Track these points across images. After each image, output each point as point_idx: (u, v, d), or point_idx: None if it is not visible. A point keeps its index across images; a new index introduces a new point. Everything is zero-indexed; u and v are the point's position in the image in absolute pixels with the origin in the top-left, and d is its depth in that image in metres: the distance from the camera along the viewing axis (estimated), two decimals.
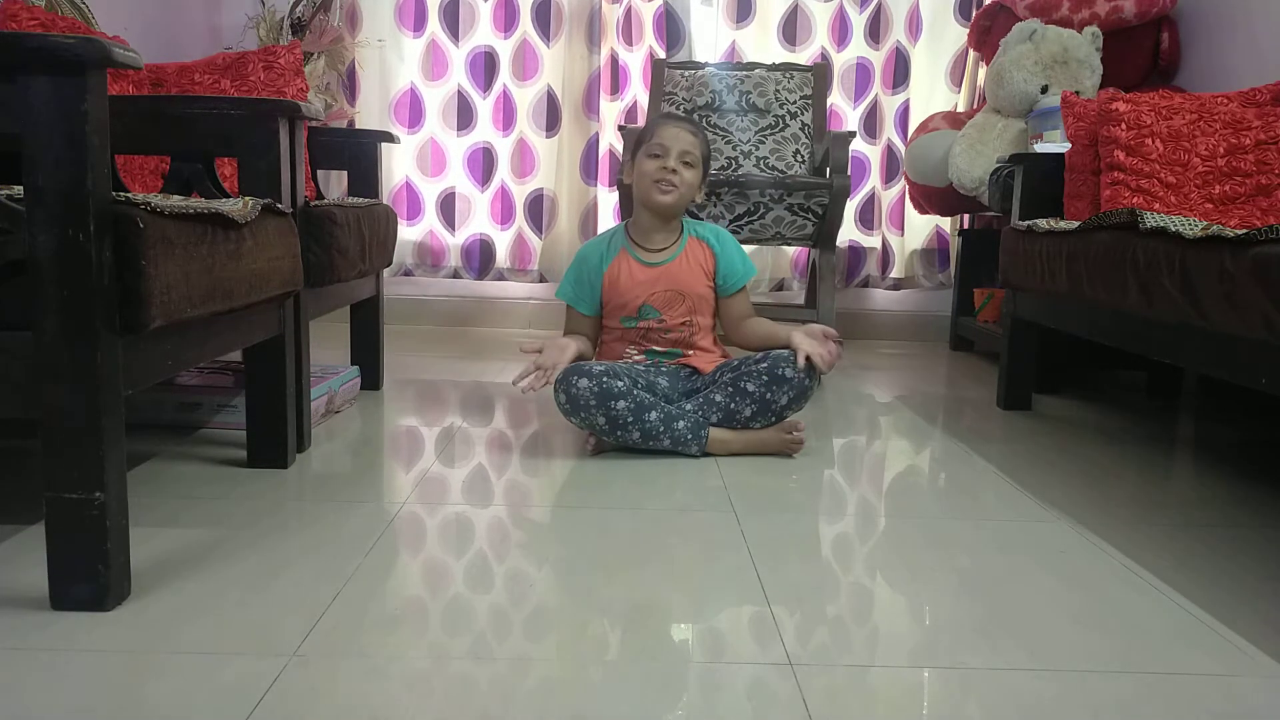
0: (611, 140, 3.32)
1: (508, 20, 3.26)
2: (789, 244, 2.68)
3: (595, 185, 3.32)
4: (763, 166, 2.77)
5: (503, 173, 3.33)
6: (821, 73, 2.92)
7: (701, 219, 2.41)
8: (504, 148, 3.32)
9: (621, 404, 1.68)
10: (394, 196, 3.31)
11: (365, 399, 2.21)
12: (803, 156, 2.81)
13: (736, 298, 1.90)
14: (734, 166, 2.78)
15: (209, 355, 1.34)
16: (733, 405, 1.74)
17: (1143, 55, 3.01)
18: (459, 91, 3.29)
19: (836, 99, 3.31)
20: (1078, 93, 2.61)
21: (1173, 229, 1.50)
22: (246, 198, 1.36)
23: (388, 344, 2.43)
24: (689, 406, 1.76)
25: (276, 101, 1.53)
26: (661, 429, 1.71)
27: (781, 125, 2.83)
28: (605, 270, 1.88)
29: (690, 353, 1.88)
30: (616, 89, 3.31)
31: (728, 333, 1.94)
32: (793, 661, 0.98)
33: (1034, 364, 2.29)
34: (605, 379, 1.69)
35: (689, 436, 1.72)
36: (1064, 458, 1.85)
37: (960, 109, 3.29)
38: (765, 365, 1.74)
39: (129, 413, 1.08)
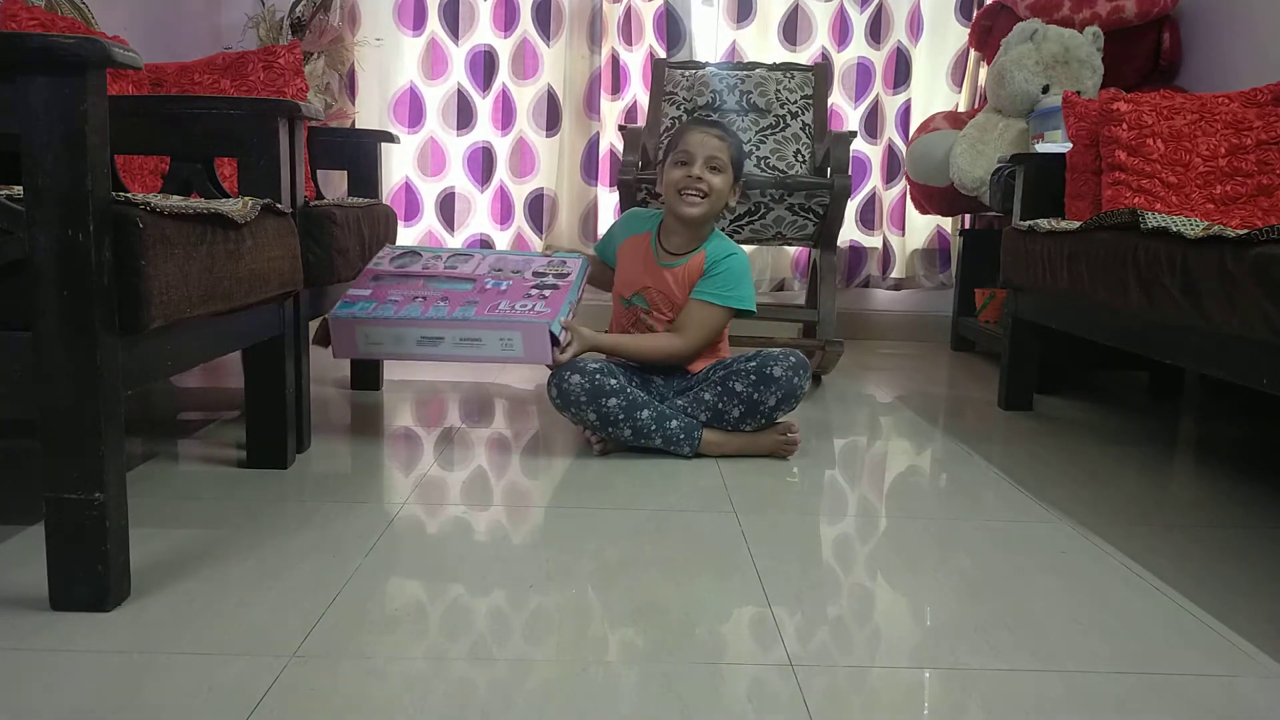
0: (612, 140, 3.31)
1: (508, 19, 3.26)
2: (790, 244, 2.68)
3: (596, 185, 3.32)
4: (763, 166, 2.77)
5: (502, 172, 3.33)
6: (822, 73, 2.92)
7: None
8: (503, 147, 3.32)
9: (613, 401, 1.68)
10: (393, 196, 3.31)
11: (365, 399, 2.21)
12: (803, 156, 2.80)
13: (690, 304, 1.80)
14: None
15: (209, 355, 1.34)
16: (720, 405, 1.73)
17: (1144, 55, 3.01)
18: (459, 91, 3.29)
19: (837, 99, 3.30)
20: (1079, 93, 2.61)
21: (1174, 229, 1.50)
22: (246, 198, 1.36)
23: None
24: (680, 402, 1.76)
25: (276, 101, 1.52)
26: (654, 427, 1.70)
27: (782, 125, 2.82)
28: (624, 240, 1.91)
29: None
30: (617, 89, 3.31)
31: None
32: (793, 662, 0.98)
33: (1035, 364, 2.28)
34: (599, 376, 1.68)
35: (681, 436, 1.72)
36: (1065, 458, 1.85)
37: (961, 109, 3.29)
38: (753, 365, 1.73)
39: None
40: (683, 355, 1.81)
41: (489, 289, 1.75)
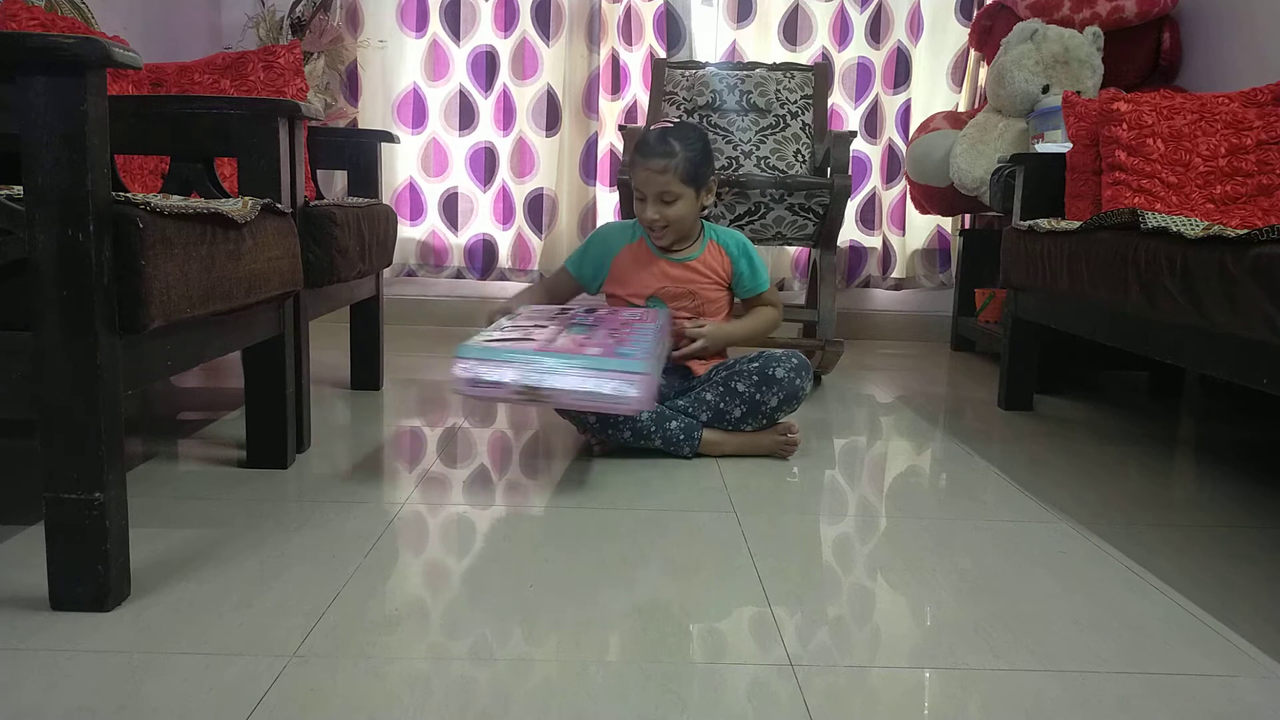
0: (612, 140, 3.32)
1: (508, 20, 3.26)
2: (790, 244, 2.68)
3: (595, 185, 3.32)
4: (763, 166, 2.77)
5: (504, 172, 3.33)
6: (822, 72, 2.92)
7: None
8: (505, 147, 3.32)
9: None
10: (397, 197, 3.31)
11: (365, 398, 2.20)
12: (803, 156, 2.80)
13: (756, 301, 1.94)
14: (735, 166, 2.77)
15: (209, 355, 1.34)
16: (722, 405, 1.74)
17: (1144, 55, 3.01)
18: (460, 91, 3.29)
19: (837, 99, 3.30)
20: (1079, 92, 2.61)
21: (1174, 229, 1.50)
22: (246, 198, 1.36)
23: (388, 344, 2.43)
24: (681, 403, 1.76)
25: (276, 101, 1.52)
26: (653, 428, 1.71)
27: (782, 125, 2.82)
28: (620, 252, 1.89)
29: None
30: (617, 88, 3.31)
31: None
32: (793, 662, 0.98)
33: (1035, 364, 2.28)
34: None
35: (681, 437, 1.72)
36: (1065, 458, 1.84)
37: (961, 109, 3.29)
38: (756, 365, 1.74)
39: None
40: (779, 322, 1.97)
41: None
